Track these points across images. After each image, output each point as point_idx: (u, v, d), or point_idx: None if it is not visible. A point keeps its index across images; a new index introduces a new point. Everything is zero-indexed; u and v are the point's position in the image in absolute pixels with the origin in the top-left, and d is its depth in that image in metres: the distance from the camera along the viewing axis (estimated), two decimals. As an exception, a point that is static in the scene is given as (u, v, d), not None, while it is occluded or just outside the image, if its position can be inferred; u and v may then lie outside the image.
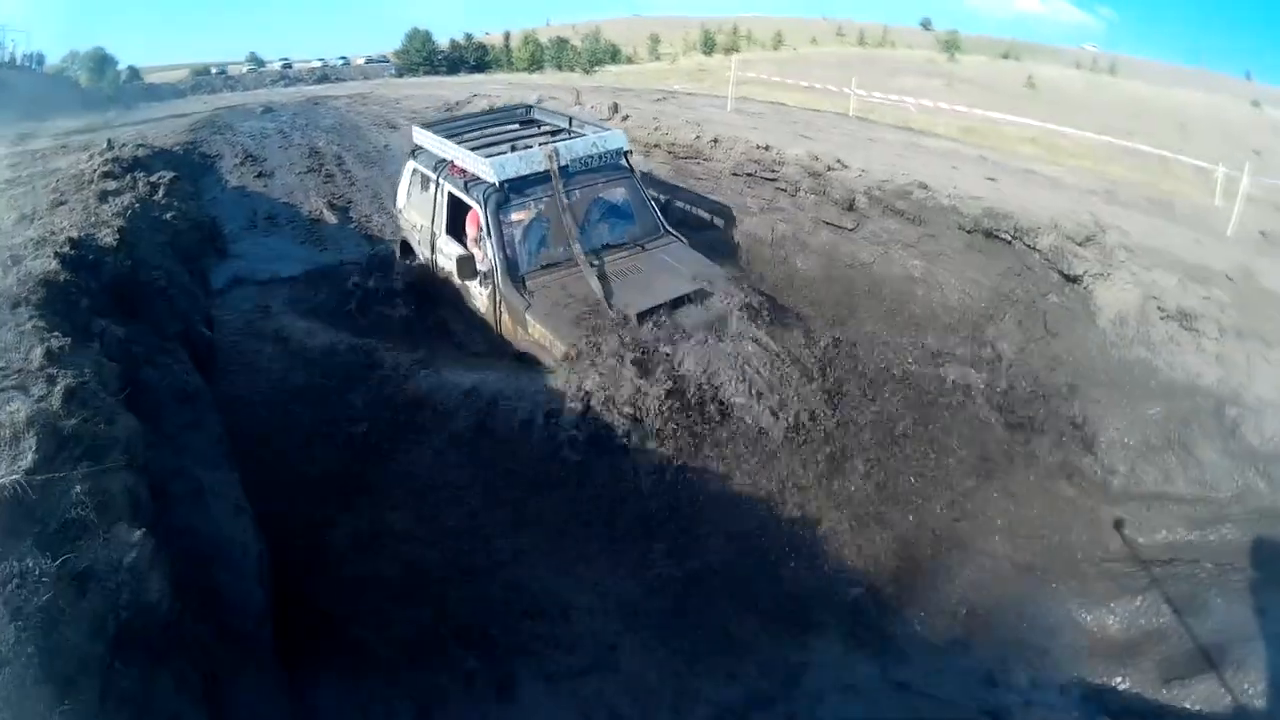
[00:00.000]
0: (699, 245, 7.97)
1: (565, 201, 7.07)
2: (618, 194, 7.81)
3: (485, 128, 8.62)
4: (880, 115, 22.00)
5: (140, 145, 10.13)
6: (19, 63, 39.83)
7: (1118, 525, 5.60)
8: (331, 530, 4.85)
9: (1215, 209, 11.89)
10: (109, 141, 9.36)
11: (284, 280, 8.78)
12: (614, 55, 62.32)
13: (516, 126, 8.66)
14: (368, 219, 11.36)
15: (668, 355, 5.85)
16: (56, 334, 2.84)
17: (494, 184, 6.87)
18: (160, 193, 5.73)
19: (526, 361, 6.52)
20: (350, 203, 11.78)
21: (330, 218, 11.17)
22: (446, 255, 7.63)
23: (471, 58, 58.01)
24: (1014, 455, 6.13)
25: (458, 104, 15.92)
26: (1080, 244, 7.82)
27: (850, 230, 9.16)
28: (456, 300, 7.63)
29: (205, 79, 52.03)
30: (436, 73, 50.12)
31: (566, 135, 8.03)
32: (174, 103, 24.22)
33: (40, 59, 42.95)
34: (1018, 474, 5.95)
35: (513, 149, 7.41)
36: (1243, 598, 4.66)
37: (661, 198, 10.02)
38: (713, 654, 4.35)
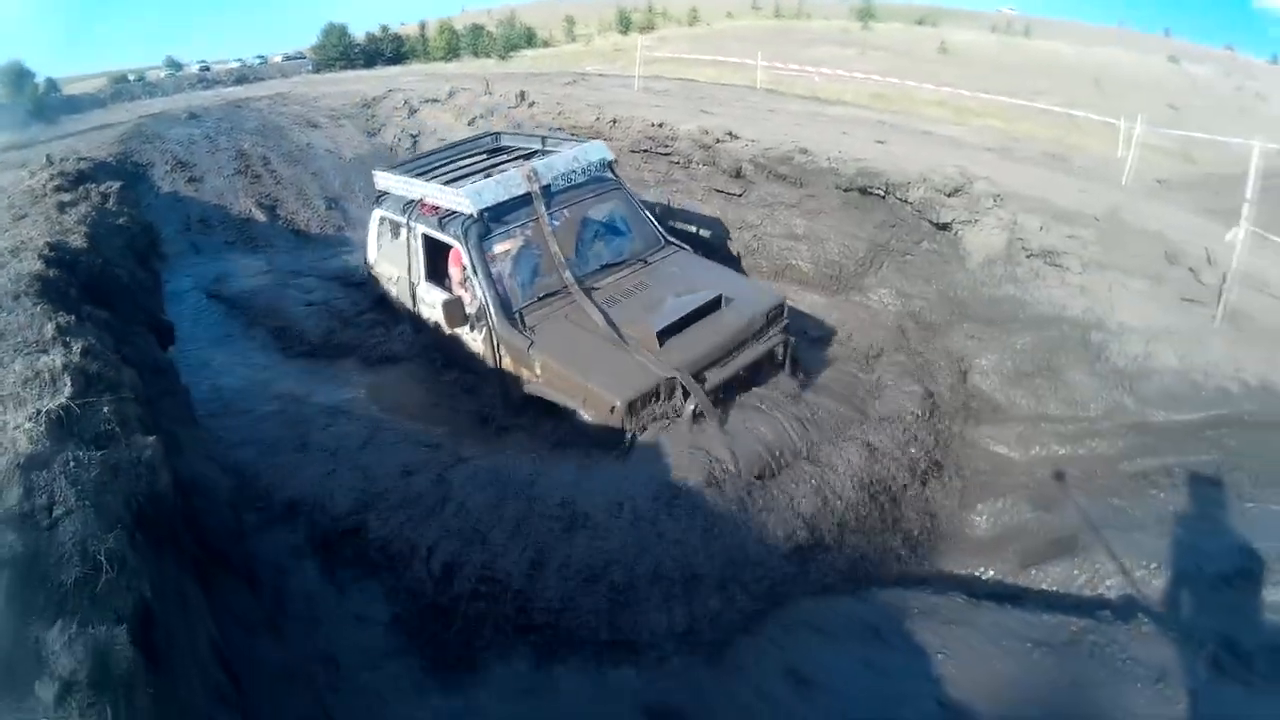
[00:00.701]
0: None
1: (550, 226, 6.59)
2: (609, 209, 7.29)
3: (452, 161, 8.12)
4: (789, 87, 22.83)
5: (81, 159, 10.53)
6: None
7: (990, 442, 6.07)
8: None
9: (1117, 160, 12.63)
10: (48, 157, 9.78)
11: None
12: (530, 39, 62.07)
13: (485, 156, 8.21)
14: (294, 214, 12.15)
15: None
16: (60, 314, 3.66)
17: (472, 215, 6.38)
18: (112, 201, 6.32)
19: (537, 409, 6.07)
20: (278, 201, 12.41)
21: (260, 216, 11.85)
22: (430, 304, 7.05)
23: (388, 50, 57.54)
24: (885, 386, 6.42)
25: (374, 99, 16.40)
26: (949, 195, 8.36)
27: (739, 196, 9.85)
28: (450, 352, 6.99)
29: (125, 86, 50.66)
30: (354, 67, 49.53)
31: (541, 156, 7.51)
32: (96, 114, 23.96)
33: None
34: (890, 402, 6.17)
35: (486, 177, 7.00)
36: (1099, 498, 5.09)
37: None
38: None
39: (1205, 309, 6.72)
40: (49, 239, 4.83)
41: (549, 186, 6.77)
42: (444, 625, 4.38)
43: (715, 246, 9.38)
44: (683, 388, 5.46)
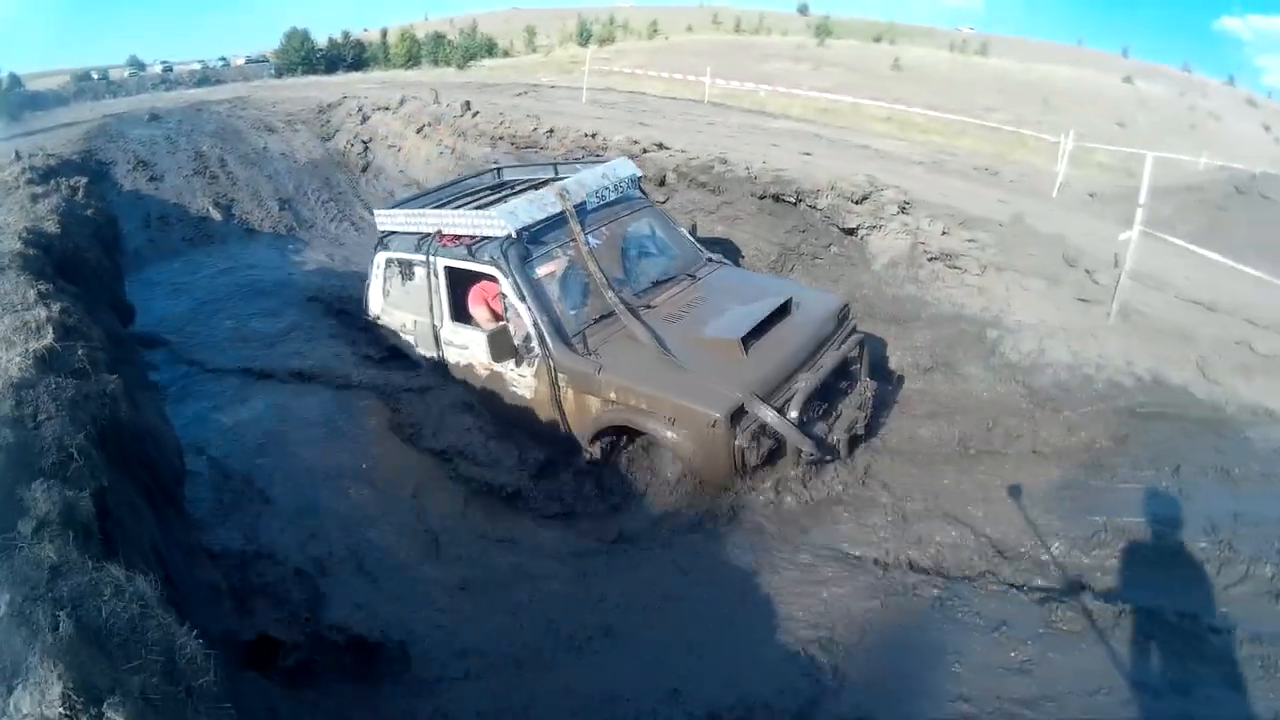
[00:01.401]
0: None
1: (587, 245, 6.11)
2: (645, 225, 6.98)
3: (458, 196, 7.54)
4: (738, 101, 23.68)
5: (49, 155, 11.16)
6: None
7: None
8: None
9: (1051, 174, 13.43)
10: (16, 153, 10.35)
11: None
12: (490, 49, 62.56)
13: (489, 193, 7.52)
14: (248, 214, 12.81)
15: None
16: (41, 283, 4.42)
17: (509, 235, 5.85)
18: (80, 194, 6.94)
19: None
20: (233, 200, 13.04)
21: (216, 215, 12.49)
22: (459, 346, 6.44)
23: (350, 55, 58.11)
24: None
25: (329, 105, 16.95)
26: (856, 202, 8.75)
27: (663, 203, 10.20)
28: (489, 399, 6.33)
29: (88, 84, 50.91)
30: (315, 72, 50.11)
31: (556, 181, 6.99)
32: (59, 111, 24.35)
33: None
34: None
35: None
36: (985, 476, 5.35)
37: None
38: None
39: (1100, 307, 7.08)
40: (26, 224, 5.55)
41: (584, 204, 6.39)
42: None
43: None
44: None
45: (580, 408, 5.62)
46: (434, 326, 6.54)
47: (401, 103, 15.88)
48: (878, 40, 79.16)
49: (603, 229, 6.41)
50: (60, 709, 1.56)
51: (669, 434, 5.13)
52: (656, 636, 4.14)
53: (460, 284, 6.39)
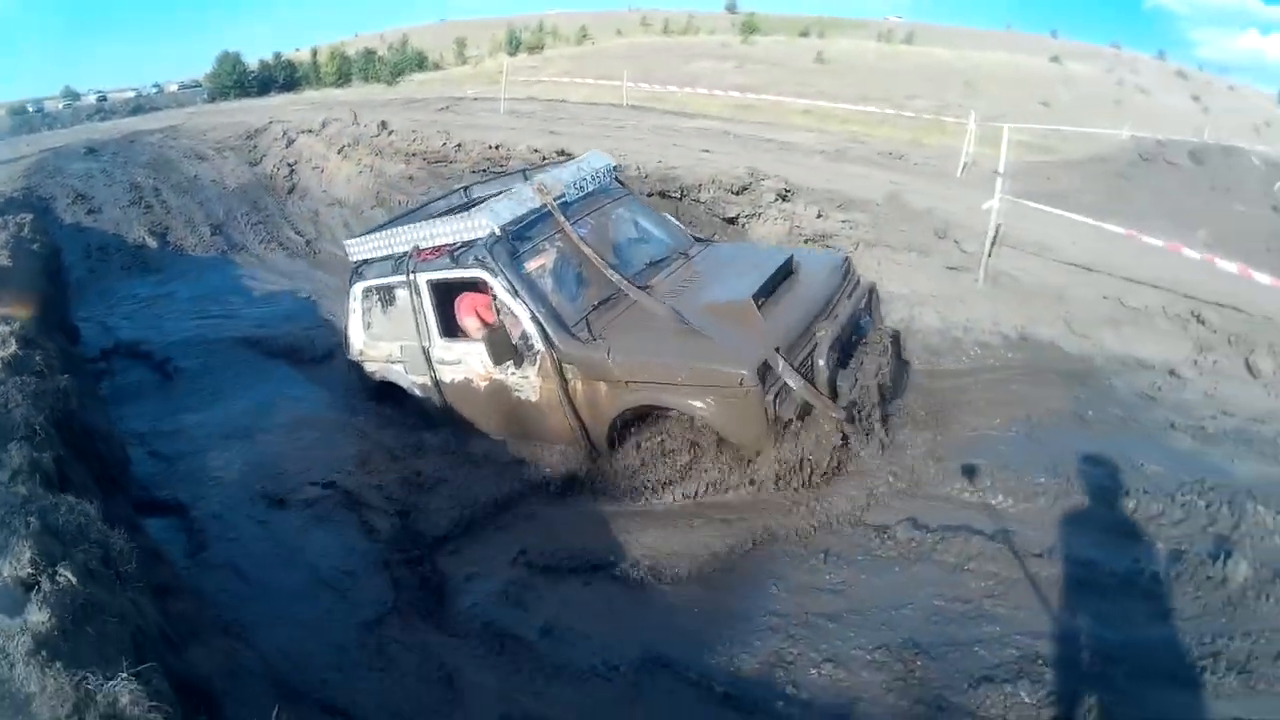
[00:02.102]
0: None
1: (576, 233, 5.90)
2: (628, 214, 6.80)
3: (429, 217, 6.80)
4: (660, 102, 24.23)
5: None
6: None
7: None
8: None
9: (961, 156, 14.20)
10: None
11: None
12: (420, 63, 62.84)
13: (460, 210, 6.88)
14: (182, 240, 13.64)
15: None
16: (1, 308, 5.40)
17: (494, 234, 5.61)
18: (26, 230, 7.72)
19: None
20: (168, 228, 13.85)
21: (152, 243, 13.31)
22: (453, 362, 6.14)
23: (281, 76, 58.29)
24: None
25: (257, 130, 17.42)
26: (736, 193, 9.53)
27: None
28: (490, 415, 6.14)
29: (24, 118, 50.79)
30: (248, 95, 50.11)
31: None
32: (-2, 147, 24.58)
33: None
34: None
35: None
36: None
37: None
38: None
39: (969, 275, 7.59)
40: (-23, 259, 6.50)
41: (564, 197, 6.14)
42: None
43: None
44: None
45: (592, 399, 5.42)
46: (423, 348, 6.24)
47: (324, 125, 16.51)
48: (804, 35, 79.62)
49: (587, 219, 6.23)
50: (29, 569, 2.46)
51: (695, 403, 5.00)
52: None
53: (446, 298, 6.15)
